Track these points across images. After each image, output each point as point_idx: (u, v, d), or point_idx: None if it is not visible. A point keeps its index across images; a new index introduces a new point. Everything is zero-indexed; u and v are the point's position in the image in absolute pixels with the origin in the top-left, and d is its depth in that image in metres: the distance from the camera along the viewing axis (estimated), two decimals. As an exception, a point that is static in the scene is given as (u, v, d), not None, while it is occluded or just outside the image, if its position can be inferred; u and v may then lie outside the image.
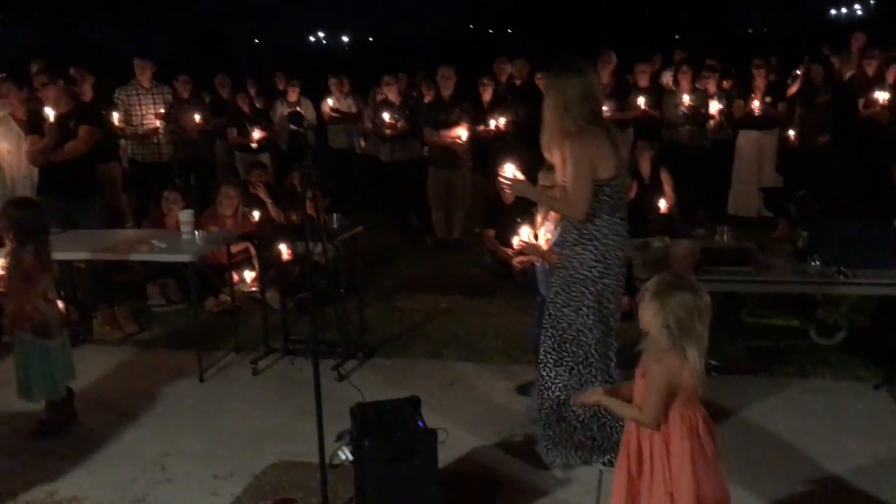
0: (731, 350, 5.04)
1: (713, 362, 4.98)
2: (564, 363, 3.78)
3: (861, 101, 7.98)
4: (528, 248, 4.40)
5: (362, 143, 9.99)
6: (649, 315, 2.71)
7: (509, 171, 3.86)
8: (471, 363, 5.33)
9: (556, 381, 3.80)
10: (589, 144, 3.56)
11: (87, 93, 7.39)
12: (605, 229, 3.64)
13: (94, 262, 5.82)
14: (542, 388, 3.86)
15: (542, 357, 3.86)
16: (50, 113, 5.83)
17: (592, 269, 3.65)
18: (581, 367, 3.77)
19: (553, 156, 3.70)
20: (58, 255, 4.65)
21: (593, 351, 3.74)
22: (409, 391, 4.15)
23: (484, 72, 8.75)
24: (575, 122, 3.56)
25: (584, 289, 3.67)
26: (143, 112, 7.89)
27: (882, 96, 7.47)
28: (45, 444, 4.32)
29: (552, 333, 3.79)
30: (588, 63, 3.71)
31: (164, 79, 8.38)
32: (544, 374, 3.84)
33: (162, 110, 7.98)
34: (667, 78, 9.95)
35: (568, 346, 3.76)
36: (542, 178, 4.29)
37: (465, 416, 4.46)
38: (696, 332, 2.66)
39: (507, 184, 3.84)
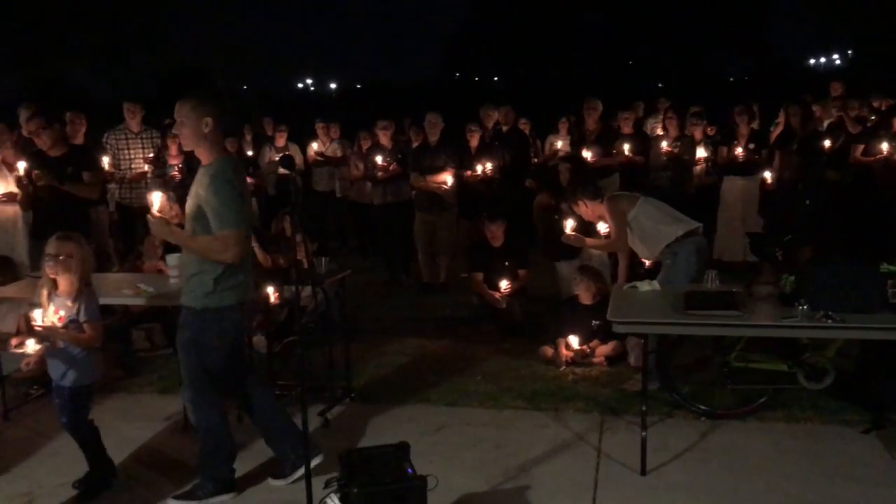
0: (719, 394, 5.03)
1: (702, 407, 4.99)
2: None
3: (859, 148, 8.14)
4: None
5: (343, 185, 10.10)
6: None
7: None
8: (458, 408, 5.29)
9: None
10: None
11: (80, 137, 7.42)
12: None
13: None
14: None
15: None
16: (20, 166, 5.90)
17: None
18: None
19: None
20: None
21: None
22: (396, 436, 4.12)
23: (469, 118, 8.86)
24: None
25: None
26: (132, 156, 7.89)
27: (885, 146, 7.58)
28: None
29: None
30: None
31: (152, 123, 8.39)
32: None
33: (151, 154, 7.99)
34: (653, 125, 10.13)
35: None
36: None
37: (453, 463, 4.41)
38: None
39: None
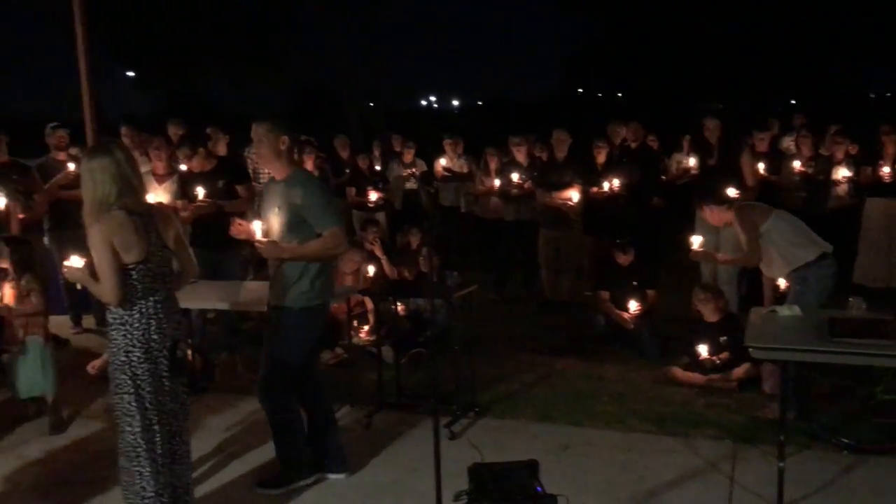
0: (865, 428, 4.77)
1: (844, 440, 4.73)
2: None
3: None
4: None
5: (468, 200, 10.18)
6: None
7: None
8: (583, 428, 5.22)
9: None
10: (110, 228, 3.49)
11: (223, 149, 7.82)
12: (136, 314, 3.59)
13: (226, 312, 6.09)
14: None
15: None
16: (200, 191, 6.29)
17: (129, 354, 3.59)
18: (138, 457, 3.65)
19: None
20: (190, 304, 4.92)
21: (140, 440, 3.63)
22: (520, 453, 4.13)
23: (592, 134, 8.75)
24: (100, 204, 3.52)
25: (122, 375, 3.60)
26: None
27: None
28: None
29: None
30: (117, 145, 3.69)
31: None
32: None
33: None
34: (788, 143, 9.77)
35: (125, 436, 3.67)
36: None
37: (580, 484, 4.35)
38: None
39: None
